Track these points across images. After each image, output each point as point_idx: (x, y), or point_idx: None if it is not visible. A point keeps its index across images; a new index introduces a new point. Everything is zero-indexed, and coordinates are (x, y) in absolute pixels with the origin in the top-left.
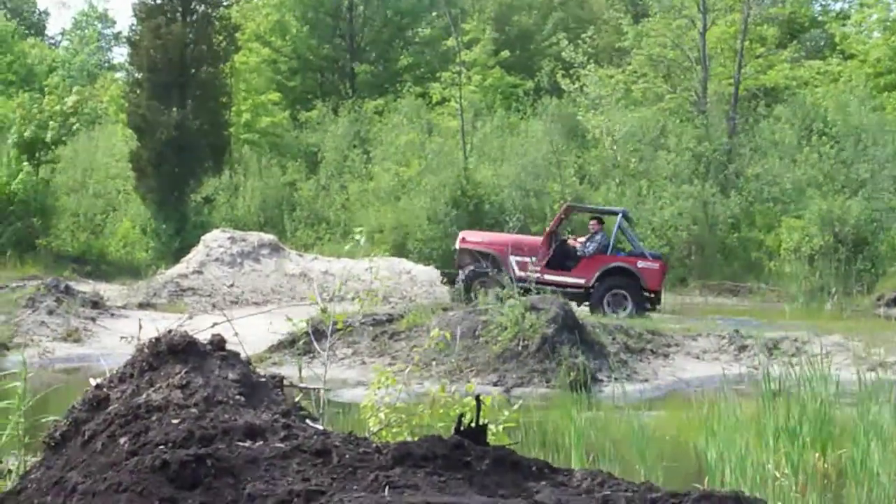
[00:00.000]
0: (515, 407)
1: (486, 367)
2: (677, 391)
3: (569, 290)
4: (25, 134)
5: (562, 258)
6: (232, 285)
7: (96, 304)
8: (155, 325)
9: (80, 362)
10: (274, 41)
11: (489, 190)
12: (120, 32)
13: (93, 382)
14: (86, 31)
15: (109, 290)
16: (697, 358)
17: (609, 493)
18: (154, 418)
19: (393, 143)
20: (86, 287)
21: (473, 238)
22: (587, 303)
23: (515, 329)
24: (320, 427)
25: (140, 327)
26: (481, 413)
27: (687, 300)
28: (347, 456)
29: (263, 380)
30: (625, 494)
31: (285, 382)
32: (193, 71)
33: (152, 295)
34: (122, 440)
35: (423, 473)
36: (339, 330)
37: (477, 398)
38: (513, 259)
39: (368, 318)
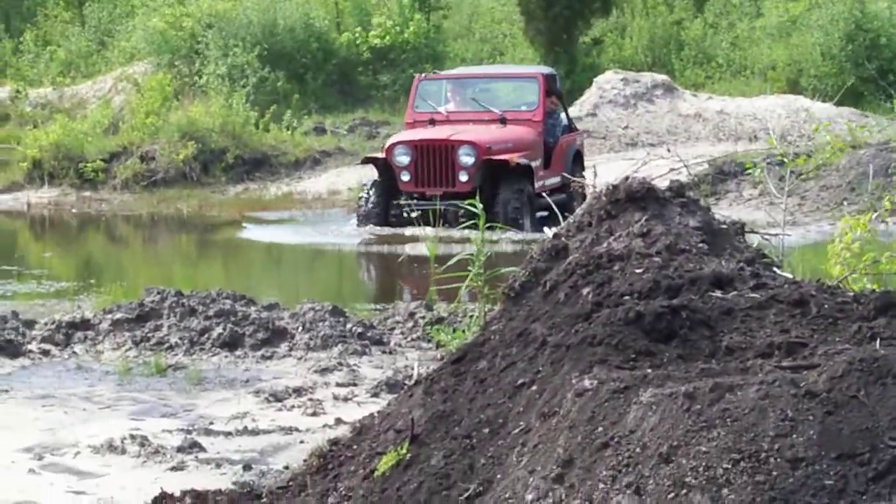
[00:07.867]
0: None
1: None
2: None
3: None
4: None
5: None
6: (626, 127)
7: None
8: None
9: None
10: None
11: (885, 23)
12: None
13: (549, 232)
14: None
15: None
16: None
17: None
18: (616, 268)
19: None
20: None
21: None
22: None
23: None
24: (789, 275)
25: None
26: None
27: None
28: (826, 306)
29: (724, 226)
30: None
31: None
32: None
33: None
34: (584, 290)
35: None
36: (745, 170)
37: None
38: None
39: (773, 157)
